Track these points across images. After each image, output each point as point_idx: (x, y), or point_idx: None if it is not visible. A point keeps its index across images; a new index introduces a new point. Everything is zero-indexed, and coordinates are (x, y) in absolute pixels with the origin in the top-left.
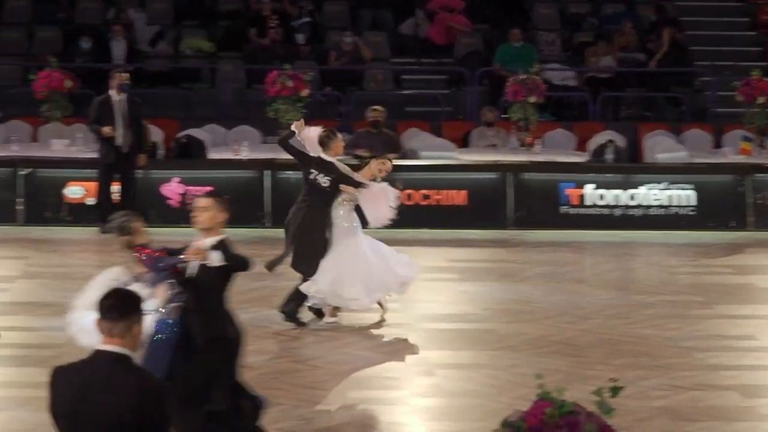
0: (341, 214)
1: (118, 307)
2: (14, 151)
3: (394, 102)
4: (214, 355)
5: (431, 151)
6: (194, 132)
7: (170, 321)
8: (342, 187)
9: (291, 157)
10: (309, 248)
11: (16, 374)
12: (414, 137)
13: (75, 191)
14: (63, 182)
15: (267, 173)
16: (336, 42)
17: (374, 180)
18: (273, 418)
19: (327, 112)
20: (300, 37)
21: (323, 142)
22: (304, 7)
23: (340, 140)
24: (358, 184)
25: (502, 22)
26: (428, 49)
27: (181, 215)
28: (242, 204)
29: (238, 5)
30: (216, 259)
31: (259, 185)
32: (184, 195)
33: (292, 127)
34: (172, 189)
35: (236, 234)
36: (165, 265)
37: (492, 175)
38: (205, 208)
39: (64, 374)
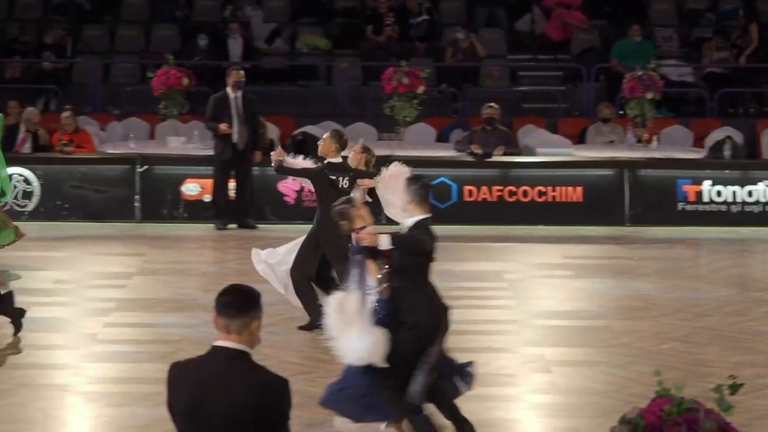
0: None
1: (236, 303)
2: (132, 148)
3: (510, 99)
4: (404, 341)
5: (547, 148)
6: (310, 129)
7: (382, 301)
8: (359, 181)
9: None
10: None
11: (132, 370)
12: (530, 134)
13: (191, 188)
14: (180, 179)
15: (383, 170)
16: (451, 39)
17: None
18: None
19: (442, 109)
20: (416, 34)
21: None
22: (423, 4)
23: (329, 141)
24: (373, 173)
25: (619, 18)
26: (545, 45)
27: (296, 212)
28: None
29: (355, 3)
30: (385, 242)
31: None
32: (300, 192)
33: (274, 160)
34: (289, 186)
35: None
36: (357, 247)
37: (608, 172)
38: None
39: (181, 370)
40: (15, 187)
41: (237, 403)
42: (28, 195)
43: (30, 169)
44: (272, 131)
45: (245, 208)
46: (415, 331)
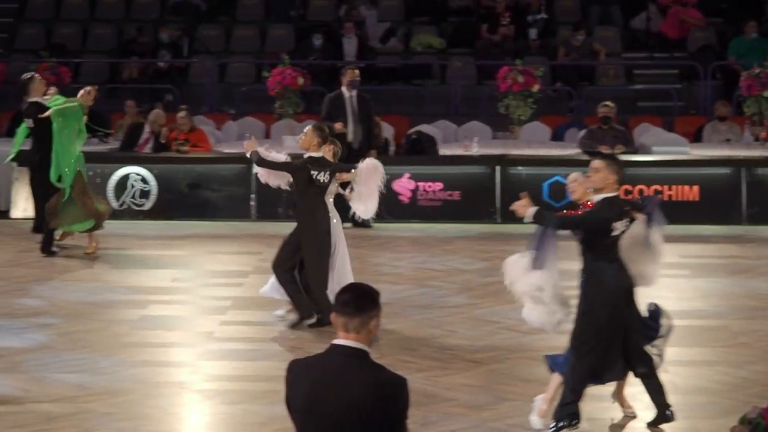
0: (332, 207)
1: (355, 302)
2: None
3: (625, 97)
4: (589, 318)
5: (663, 146)
6: (425, 128)
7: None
8: (338, 175)
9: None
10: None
11: (248, 368)
12: (646, 132)
13: None
14: None
15: (497, 169)
16: (566, 37)
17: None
18: (504, 413)
19: (557, 108)
20: (532, 33)
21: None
22: (541, 3)
23: (310, 134)
24: (350, 167)
25: (735, 15)
26: (661, 43)
27: (412, 211)
28: (473, 200)
29: (469, 2)
30: (529, 215)
31: (489, 181)
32: (414, 191)
33: (249, 152)
34: (403, 185)
35: (467, 230)
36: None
37: (725, 171)
38: (597, 170)
39: (300, 368)
40: (132, 186)
41: (355, 402)
42: (145, 194)
43: (147, 169)
44: (387, 130)
45: None
46: (595, 302)
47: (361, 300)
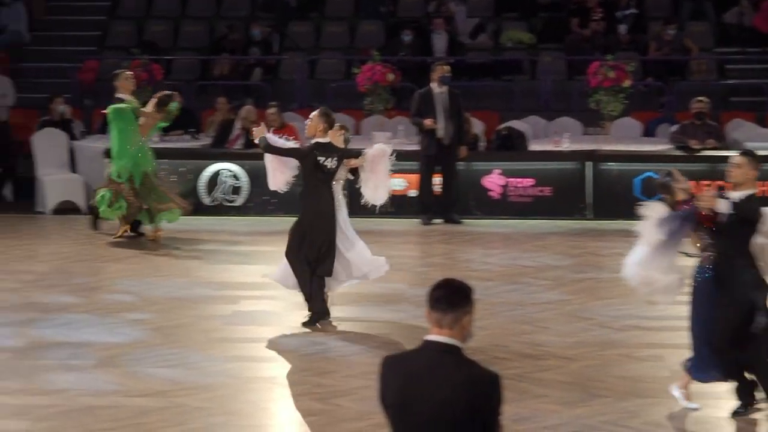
0: (340, 192)
1: (448, 298)
2: None
3: (717, 92)
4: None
5: (756, 142)
6: (515, 124)
7: (704, 267)
8: (346, 161)
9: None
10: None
11: (340, 364)
12: (738, 128)
13: (397, 183)
14: None
15: (588, 164)
16: (657, 32)
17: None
18: (597, 410)
19: (648, 103)
20: (622, 28)
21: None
22: None
23: (316, 120)
24: (358, 153)
25: None
26: (753, 38)
27: (502, 207)
28: (564, 195)
29: None
30: (723, 206)
31: (580, 177)
32: (505, 187)
33: (257, 138)
34: (494, 181)
35: (558, 225)
36: (683, 213)
37: None
38: (738, 165)
39: (393, 364)
40: (224, 182)
41: (448, 398)
42: (236, 190)
43: (239, 165)
44: (477, 126)
45: (451, 203)
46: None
47: (455, 296)
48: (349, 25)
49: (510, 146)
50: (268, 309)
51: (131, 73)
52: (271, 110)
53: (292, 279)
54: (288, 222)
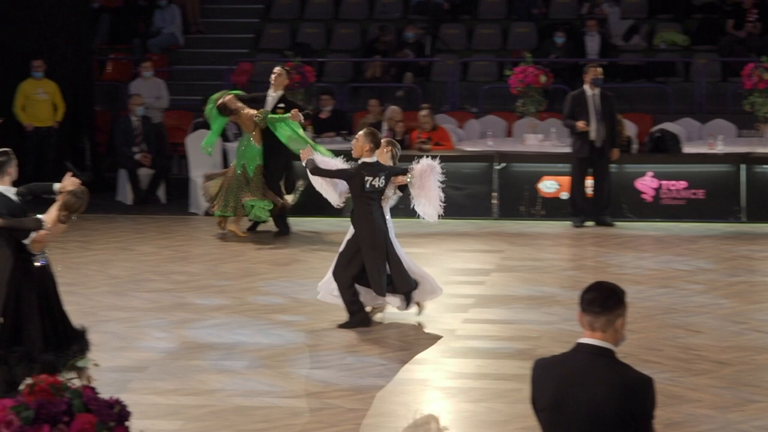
0: (388, 211)
1: (600, 301)
2: (489, 146)
3: None
4: None
5: None
6: (668, 126)
7: None
8: (393, 178)
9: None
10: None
11: (491, 366)
12: None
13: (549, 186)
14: (537, 177)
15: (742, 167)
16: None
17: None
18: (752, 414)
19: None
20: None
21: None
22: None
23: (362, 140)
24: (404, 170)
25: None
26: None
27: (654, 210)
28: (717, 198)
29: None
30: None
31: (734, 179)
32: (657, 189)
33: (305, 160)
34: (646, 183)
35: (711, 228)
36: None
37: None
38: None
39: (544, 367)
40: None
41: (601, 401)
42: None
43: None
44: (630, 128)
45: (603, 205)
46: None
47: (607, 299)
48: (501, 27)
49: (663, 148)
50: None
51: (281, 71)
52: (423, 112)
53: (335, 295)
54: (440, 224)
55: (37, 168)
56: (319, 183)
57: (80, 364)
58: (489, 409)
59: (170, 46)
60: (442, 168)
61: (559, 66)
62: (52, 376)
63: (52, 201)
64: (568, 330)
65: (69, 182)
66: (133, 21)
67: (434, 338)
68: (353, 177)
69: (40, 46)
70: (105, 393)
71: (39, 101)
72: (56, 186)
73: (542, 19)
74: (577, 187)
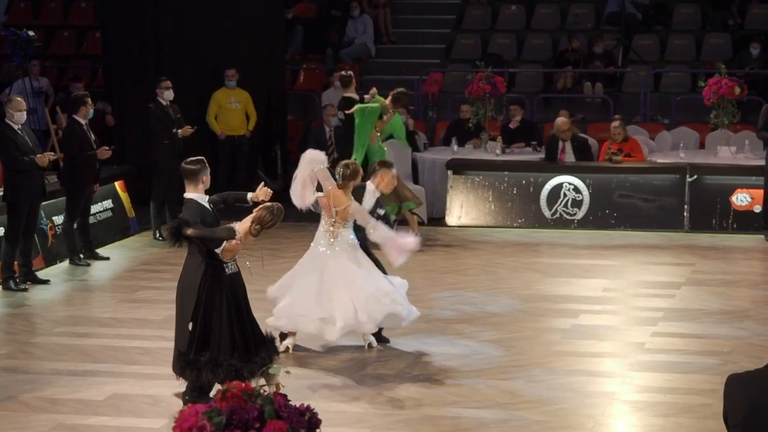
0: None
1: None
2: (681, 158)
3: None
4: None
5: None
6: None
7: None
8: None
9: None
10: None
11: (679, 380)
12: None
13: (742, 198)
14: (730, 189)
15: None
16: None
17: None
18: None
19: None
20: None
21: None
22: None
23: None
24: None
25: None
26: None
27: None
28: None
29: None
30: None
31: None
32: None
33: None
34: None
35: None
36: None
37: None
38: None
39: (739, 382)
40: (565, 195)
41: None
42: (577, 203)
43: (580, 178)
44: None
45: None
46: None
47: None
48: (695, 37)
49: None
50: (608, 323)
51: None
52: (615, 123)
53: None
54: (630, 236)
55: (229, 176)
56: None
57: (272, 371)
58: (677, 425)
59: (362, 56)
60: (633, 180)
61: (754, 77)
62: (244, 383)
63: (243, 209)
64: (759, 345)
65: (262, 192)
66: (326, 31)
67: (623, 351)
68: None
69: (234, 55)
70: (293, 400)
71: (232, 110)
72: (249, 195)
73: (737, 30)
74: None
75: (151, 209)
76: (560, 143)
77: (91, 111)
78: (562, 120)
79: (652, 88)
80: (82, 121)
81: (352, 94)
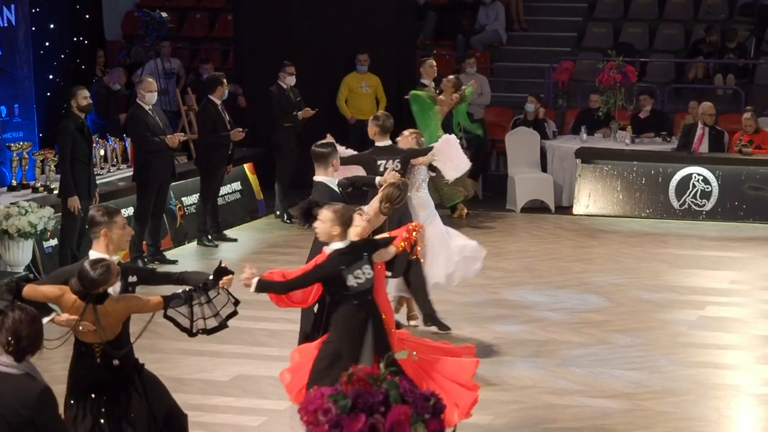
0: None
1: None
2: None
3: None
4: None
5: None
6: None
7: None
8: (414, 160)
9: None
10: None
11: None
12: None
13: None
14: None
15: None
16: None
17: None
18: None
19: None
20: None
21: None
22: None
23: (370, 125)
24: (426, 150)
25: None
26: None
27: None
28: None
29: None
30: None
31: None
32: None
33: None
34: None
35: None
36: None
37: None
38: None
39: None
40: (694, 186)
41: None
42: (706, 195)
43: (709, 170)
44: None
45: None
46: None
47: None
48: None
49: None
50: (735, 316)
51: (433, 61)
52: (746, 115)
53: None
54: (758, 229)
55: None
56: None
57: (398, 355)
58: None
59: (493, 43)
60: (764, 172)
61: None
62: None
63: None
64: None
65: (390, 176)
66: (458, 18)
67: (749, 343)
68: (368, 162)
69: (366, 40)
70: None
71: (362, 94)
72: (378, 179)
73: None
74: None
75: (277, 191)
76: (699, 129)
77: (227, 92)
78: (709, 104)
79: None
80: (217, 102)
81: (426, 81)
